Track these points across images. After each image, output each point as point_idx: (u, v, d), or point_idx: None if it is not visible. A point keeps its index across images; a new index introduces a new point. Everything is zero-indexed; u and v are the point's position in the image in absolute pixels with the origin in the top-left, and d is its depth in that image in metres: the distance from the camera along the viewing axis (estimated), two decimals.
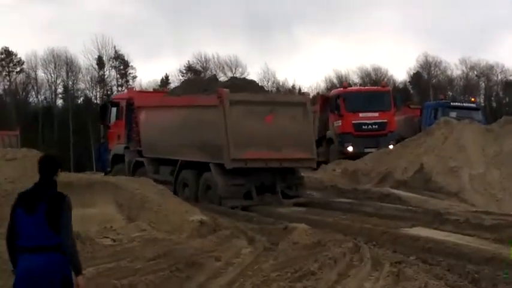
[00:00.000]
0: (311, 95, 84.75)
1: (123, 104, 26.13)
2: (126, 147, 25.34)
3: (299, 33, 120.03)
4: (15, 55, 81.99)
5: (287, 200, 20.39)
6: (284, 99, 24.50)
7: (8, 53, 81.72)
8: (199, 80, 25.45)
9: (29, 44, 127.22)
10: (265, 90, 28.75)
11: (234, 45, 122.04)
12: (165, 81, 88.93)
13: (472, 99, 40.60)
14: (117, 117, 26.51)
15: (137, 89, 46.47)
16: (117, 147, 26.05)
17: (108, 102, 28.85)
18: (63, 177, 16.46)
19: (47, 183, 6.48)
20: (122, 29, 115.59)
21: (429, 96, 77.46)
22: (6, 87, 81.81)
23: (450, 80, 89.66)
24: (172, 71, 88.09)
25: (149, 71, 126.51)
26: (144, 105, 24.47)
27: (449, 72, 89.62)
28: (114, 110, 26.84)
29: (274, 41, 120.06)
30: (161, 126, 22.94)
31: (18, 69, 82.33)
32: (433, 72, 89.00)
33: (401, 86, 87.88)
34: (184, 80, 29.95)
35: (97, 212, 15.02)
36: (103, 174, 25.94)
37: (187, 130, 21.42)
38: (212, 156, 20.40)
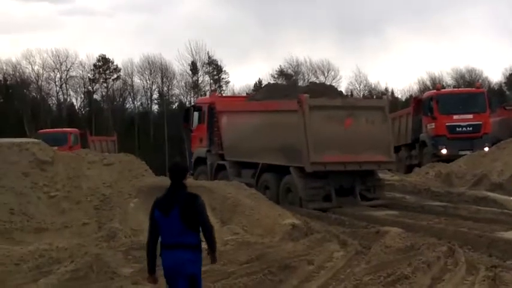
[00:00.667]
0: (404, 97, 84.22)
1: (205, 108, 26.69)
2: (208, 151, 25.88)
3: (390, 35, 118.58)
4: (112, 62, 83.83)
5: (365, 201, 20.80)
6: (362, 103, 24.74)
7: (105, 60, 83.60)
8: (279, 85, 26.51)
9: (124, 51, 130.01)
10: (343, 94, 29.16)
11: (325, 48, 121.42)
12: (259, 85, 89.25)
13: None
14: (200, 121, 27.12)
15: (229, 94, 47.03)
16: (199, 150, 26.67)
17: (191, 107, 29.76)
18: (158, 181, 16.93)
19: (177, 187, 7.28)
20: (214, 34, 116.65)
21: None
22: (103, 94, 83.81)
23: None
24: (264, 76, 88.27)
25: (242, 76, 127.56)
26: (225, 109, 25.23)
27: None
28: (196, 114, 27.53)
29: (365, 44, 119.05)
30: (242, 130, 23.62)
31: (115, 76, 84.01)
32: None
33: (496, 87, 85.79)
34: (265, 85, 30.71)
35: None
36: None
37: (268, 134, 22.01)
38: (292, 159, 20.94)
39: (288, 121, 21.10)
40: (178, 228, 7.09)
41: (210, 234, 7.31)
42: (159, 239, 7.29)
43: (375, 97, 48.16)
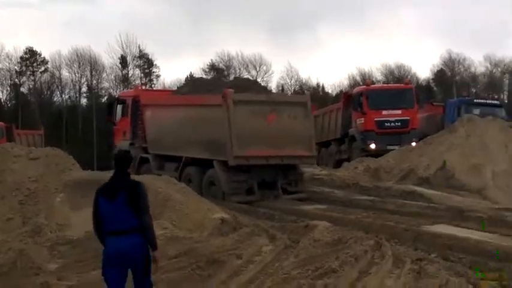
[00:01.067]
0: (334, 92, 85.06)
1: (129, 101, 26.94)
2: (131, 144, 25.97)
3: (322, 31, 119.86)
4: (39, 55, 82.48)
5: (287, 195, 21.27)
6: (285, 99, 26.12)
7: (32, 52, 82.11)
8: (204, 80, 27.16)
9: (52, 44, 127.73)
10: (267, 90, 30.20)
11: (257, 44, 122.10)
12: (189, 80, 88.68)
13: (495, 97, 40.33)
14: (123, 114, 27.42)
15: (160, 88, 47.00)
16: (122, 143, 26.66)
17: (115, 100, 29.97)
18: (85, 175, 16.69)
19: (122, 174, 7.62)
20: (145, 28, 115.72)
21: (452, 93, 76.93)
22: (30, 86, 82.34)
23: (474, 77, 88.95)
24: (195, 70, 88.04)
25: (173, 70, 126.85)
26: (150, 103, 25.42)
27: (472, 69, 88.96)
28: (120, 107, 27.83)
29: (297, 40, 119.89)
30: (167, 124, 23.82)
31: (42, 68, 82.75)
32: (456, 69, 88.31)
33: (424, 83, 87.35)
34: (190, 79, 31.29)
35: None
36: None
37: (192, 128, 22.29)
38: (216, 153, 21.21)
39: (212, 115, 21.33)
40: (126, 212, 7.34)
41: (147, 218, 7.50)
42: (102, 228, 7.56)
43: (305, 92, 49.00)
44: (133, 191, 7.46)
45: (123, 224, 7.34)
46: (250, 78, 69.06)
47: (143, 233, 7.44)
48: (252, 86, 23.97)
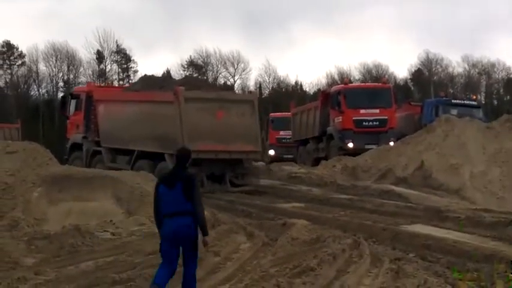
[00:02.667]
0: (312, 91, 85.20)
1: (83, 96, 27.80)
2: (84, 137, 26.94)
3: (301, 29, 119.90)
4: (17, 48, 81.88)
5: (234, 188, 22.53)
6: (234, 97, 27.55)
7: (9, 46, 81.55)
8: (155, 78, 28.15)
9: (30, 37, 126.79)
10: (217, 88, 32.19)
11: (235, 41, 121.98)
12: (167, 75, 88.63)
13: (473, 97, 40.46)
14: (77, 108, 28.18)
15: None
16: (75, 136, 27.75)
17: (68, 95, 30.95)
18: (62, 170, 16.59)
19: (182, 168, 8.93)
20: (123, 23, 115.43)
21: (430, 93, 77.23)
22: (7, 80, 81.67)
23: (451, 78, 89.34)
24: (172, 66, 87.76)
25: (150, 65, 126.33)
26: (103, 98, 26.42)
27: (450, 70, 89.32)
28: (73, 102, 28.65)
29: (275, 38, 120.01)
30: (119, 119, 24.76)
31: (19, 62, 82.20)
32: (434, 69, 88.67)
33: (402, 83, 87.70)
34: (141, 76, 32.59)
35: (96, 206, 15.04)
36: None
37: (144, 123, 23.28)
38: (167, 147, 21.97)
39: (163, 111, 22.57)
40: (181, 198, 8.58)
41: (200, 206, 8.66)
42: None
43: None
44: (188, 182, 8.70)
45: (177, 207, 8.60)
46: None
47: (194, 217, 8.63)
48: (202, 84, 25.73)
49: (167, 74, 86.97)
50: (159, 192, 8.81)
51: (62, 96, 34.33)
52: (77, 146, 27.42)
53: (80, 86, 41.49)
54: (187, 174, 8.92)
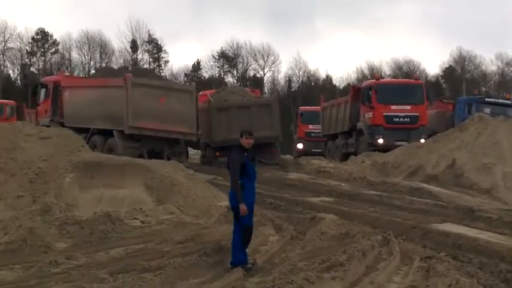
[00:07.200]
0: (342, 85, 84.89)
1: (51, 85, 31.37)
2: (51, 120, 30.24)
3: (330, 23, 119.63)
4: (51, 36, 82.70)
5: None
6: (176, 86, 32.60)
7: (44, 33, 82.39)
8: (112, 68, 37.64)
9: (61, 25, 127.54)
10: (162, 78, 38.81)
11: (263, 33, 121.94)
12: (197, 66, 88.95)
13: (507, 96, 39.97)
14: (46, 96, 31.69)
15: (167, 74, 49.21)
16: (43, 120, 30.83)
17: (39, 84, 34.21)
18: (94, 157, 16.66)
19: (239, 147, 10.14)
20: (155, 13, 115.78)
21: (462, 91, 76.70)
22: (41, 67, 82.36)
23: (484, 75, 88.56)
24: (203, 57, 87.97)
25: (179, 55, 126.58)
26: (68, 85, 30.18)
27: (483, 67, 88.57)
28: (43, 90, 32.10)
29: (304, 31, 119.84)
30: (79, 102, 28.33)
31: (53, 50, 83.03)
32: (467, 67, 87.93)
33: (433, 79, 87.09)
34: (101, 67, 37.65)
35: (127, 193, 15.09)
36: None
37: (99, 105, 26.84)
38: (116, 124, 26.11)
39: (114, 94, 26.19)
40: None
41: (230, 178, 10.04)
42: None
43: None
44: (228, 158, 10.07)
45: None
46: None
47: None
48: (149, 74, 31.71)
49: (197, 65, 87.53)
50: (245, 162, 10.01)
51: (33, 86, 38.21)
52: None
53: (50, 76, 44.34)
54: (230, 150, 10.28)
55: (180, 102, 26.64)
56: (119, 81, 26.28)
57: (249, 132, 10.25)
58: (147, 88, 26.23)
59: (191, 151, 37.84)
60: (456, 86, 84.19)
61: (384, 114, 32.36)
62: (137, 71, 32.37)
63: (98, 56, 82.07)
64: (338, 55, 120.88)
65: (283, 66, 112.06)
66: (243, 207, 9.77)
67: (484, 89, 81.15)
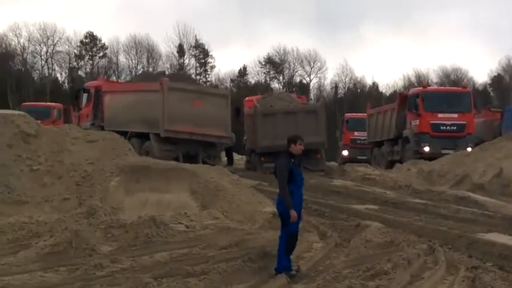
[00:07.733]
0: (388, 92, 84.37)
1: (93, 90, 32.90)
2: (92, 124, 31.35)
3: (376, 29, 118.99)
4: (99, 40, 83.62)
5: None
6: (210, 90, 32.23)
7: (92, 37, 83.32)
8: (150, 73, 37.95)
9: (111, 29, 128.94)
10: (197, 83, 40.79)
11: (309, 39, 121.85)
12: (243, 72, 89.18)
13: None
14: (88, 100, 33.26)
15: (214, 79, 50.78)
16: (85, 124, 31.59)
17: (81, 89, 35.74)
18: (140, 161, 16.80)
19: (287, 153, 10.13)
20: (198, 18, 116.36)
21: (510, 100, 75.63)
22: (88, 70, 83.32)
23: None
24: (249, 62, 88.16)
25: (226, 60, 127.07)
26: (108, 90, 31.06)
27: None
28: (85, 95, 33.71)
29: (350, 37, 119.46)
30: (119, 106, 29.19)
31: (101, 54, 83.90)
32: None
33: (481, 88, 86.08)
34: (140, 73, 37.98)
35: (172, 198, 15.17)
36: None
37: (136, 108, 27.68)
38: (152, 128, 26.87)
39: (151, 98, 26.86)
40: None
41: (279, 185, 10.10)
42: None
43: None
44: (276, 164, 10.13)
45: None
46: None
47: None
48: (185, 79, 31.81)
49: (243, 71, 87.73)
50: (293, 169, 10.03)
51: (76, 90, 38.55)
52: None
53: (92, 81, 44.69)
54: (280, 157, 10.19)
55: (215, 106, 27.17)
56: (155, 86, 27.02)
57: (301, 139, 10.18)
58: (183, 92, 26.87)
59: (236, 156, 38.02)
60: (504, 94, 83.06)
61: (431, 122, 32.15)
62: (174, 75, 33.42)
63: (145, 60, 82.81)
64: (385, 62, 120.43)
65: (329, 73, 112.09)
66: (293, 213, 9.75)
67: None
